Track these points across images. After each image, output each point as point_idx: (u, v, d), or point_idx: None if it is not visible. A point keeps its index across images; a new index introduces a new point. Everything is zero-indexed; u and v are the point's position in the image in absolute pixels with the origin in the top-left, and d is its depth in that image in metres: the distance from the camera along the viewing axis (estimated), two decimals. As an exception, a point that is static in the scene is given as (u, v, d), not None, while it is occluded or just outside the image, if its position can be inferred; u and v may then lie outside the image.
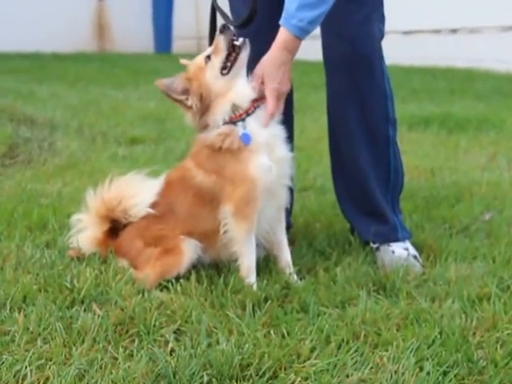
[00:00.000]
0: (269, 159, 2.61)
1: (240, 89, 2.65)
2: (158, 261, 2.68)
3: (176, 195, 2.78)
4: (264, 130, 2.63)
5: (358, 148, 2.94)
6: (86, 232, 2.90)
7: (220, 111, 2.64)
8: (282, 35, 2.62)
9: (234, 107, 2.64)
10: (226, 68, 2.64)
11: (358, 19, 2.80)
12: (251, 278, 2.66)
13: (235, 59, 2.63)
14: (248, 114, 2.64)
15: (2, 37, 14.06)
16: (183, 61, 2.75)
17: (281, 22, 2.61)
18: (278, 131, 2.69)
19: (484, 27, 10.87)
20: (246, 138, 2.61)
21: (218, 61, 2.65)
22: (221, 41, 2.65)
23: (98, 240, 2.89)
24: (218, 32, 2.66)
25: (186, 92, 2.66)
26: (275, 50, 2.64)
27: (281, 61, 2.63)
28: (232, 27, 2.65)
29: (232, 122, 2.64)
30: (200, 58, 2.70)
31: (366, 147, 2.93)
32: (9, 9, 15.01)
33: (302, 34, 2.60)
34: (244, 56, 2.64)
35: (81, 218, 2.95)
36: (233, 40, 2.64)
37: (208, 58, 2.67)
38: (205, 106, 2.66)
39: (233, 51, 2.63)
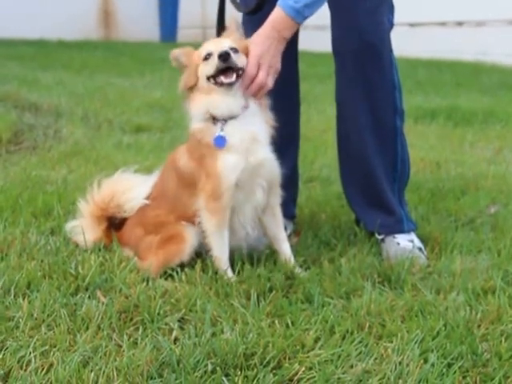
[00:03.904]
0: (243, 159, 2.58)
1: (219, 103, 2.59)
2: (161, 249, 2.69)
3: (166, 176, 2.83)
4: (240, 133, 2.59)
5: (365, 138, 2.92)
6: (86, 234, 2.88)
7: (197, 108, 2.63)
8: (275, 13, 2.60)
9: (208, 114, 2.61)
10: (210, 80, 2.60)
11: (368, 9, 2.78)
12: (222, 266, 2.65)
13: (217, 84, 2.57)
14: (231, 117, 2.61)
15: (7, 24, 14.07)
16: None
17: (278, 1, 2.60)
18: (261, 132, 2.65)
19: (490, 20, 10.84)
20: (219, 142, 2.58)
21: (208, 68, 2.58)
22: (215, 61, 2.54)
23: (100, 238, 2.90)
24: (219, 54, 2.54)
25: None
26: (265, 25, 2.62)
27: (267, 35, 2.60)
28: (232, 54, 2.53)
29: (214, 118, 2.61)
30: (202, 50, 2.63)
31: (374, 137, 2.91)
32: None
33: (296, 15, 2.58)
34: (224, 90, 2.58)
35: (76, 224, 2.95)
36: (227, 70, 2.54)
37: (207, 57, 2.60)
38: (187, 91, 2.66)
39: (221, 75, 2.56)
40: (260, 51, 2.60)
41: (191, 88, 2.64)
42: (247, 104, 2.61)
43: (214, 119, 2.61)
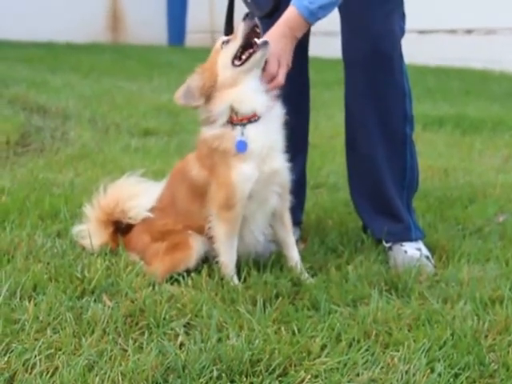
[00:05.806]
0: (257, 168, 2.55)
1: (245, 94, 2.54)
2: (167, 255, 2.68)
3: (176, 186, 2.80)
4: (261, 140, 2.55)
5: (374, 145, 2.91)
6: (92, 239, 2.87)
7: (219, 107, 2.55)
8: (289, 12, 2.60)
9: (232, 110, 2.55)
10: (240, 59, 2.54)
11: (380, 16, 2.78)
12: (229, 272, 2.64)
13: (250, 55, 2.52)
14: (250, 122, 2.56)
15: (16, 26, 14.09)
16: None
17: (292, 1, 2.60)
18: (278, 140, 2.63)
19: (500, 28, 10.83)
20: (241, 146, 2.54)
21: (233, 47, 2.54)
22: (240, 27, 2.53)
23: (106, 242, 2.89)
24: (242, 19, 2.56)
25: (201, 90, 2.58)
26: (277, 24, 2.61)
27: (281, 33, 2.59)
28: (257, 18, 2.54)
29: (232, 123, 2.56)
30: (219, 41, 2.62)
31: (383, 145, 2.90)
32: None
33: (309, 15, 2.58)
34: (259, 56, 2.52)
35: (83, 228, 2.94)
36: (255, 31, 2.52)
37: (226, 42, 2.58)
38: (207, 96, 2.57)
39: (251, 45, 2.52)
40: (278, 49, 2.58)
41: (210, 90, 2.56)
42: (272, 104, 2.58)
43: (233, 123, 2.56)
